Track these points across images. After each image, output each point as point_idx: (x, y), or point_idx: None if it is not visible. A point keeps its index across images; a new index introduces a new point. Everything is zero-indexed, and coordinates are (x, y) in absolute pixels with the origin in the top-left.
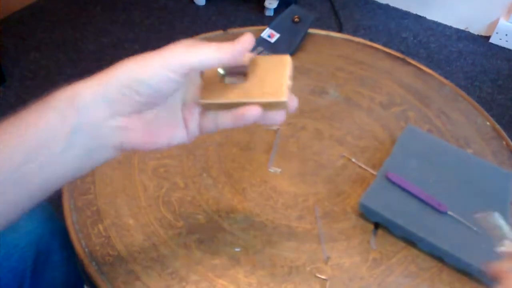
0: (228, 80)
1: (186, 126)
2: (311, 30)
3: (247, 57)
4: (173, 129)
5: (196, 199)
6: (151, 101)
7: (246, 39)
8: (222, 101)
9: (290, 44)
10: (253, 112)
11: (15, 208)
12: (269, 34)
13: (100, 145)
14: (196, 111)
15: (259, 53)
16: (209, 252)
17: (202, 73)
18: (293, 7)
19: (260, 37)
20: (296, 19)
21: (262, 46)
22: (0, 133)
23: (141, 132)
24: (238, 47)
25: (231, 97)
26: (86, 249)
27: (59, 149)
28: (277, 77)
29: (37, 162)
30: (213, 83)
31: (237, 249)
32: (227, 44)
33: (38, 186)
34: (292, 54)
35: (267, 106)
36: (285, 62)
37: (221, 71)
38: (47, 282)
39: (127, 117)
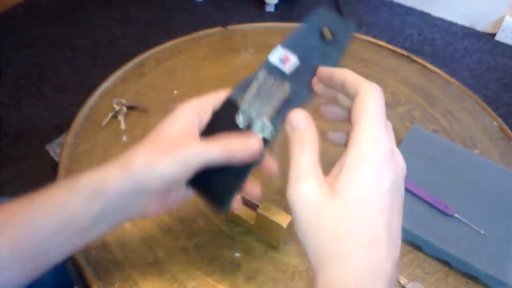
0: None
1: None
2: None
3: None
4: (186, 191)
5: (196, 202)
6: (167, 188)
7: (255, 145)
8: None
9: (312, 78)
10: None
11: (41, 267)
12: (282, 57)
13: (122, 217)
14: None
15: (263, 87)
16: (208, 256)
17: None
18: (321, 12)
19: (268, 61)
20: (328, 35)
21: (272, 74)
22: (37, 207)
23: (160, 203)
24: (247, 151)
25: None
26: (82, 254)
27: (85, 227)
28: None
29: (64, 235)
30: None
31: (237, 254)
32: (238, 145)
33: (64, 252)
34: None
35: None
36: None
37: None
38: (36, 285)
39: (147, 200)
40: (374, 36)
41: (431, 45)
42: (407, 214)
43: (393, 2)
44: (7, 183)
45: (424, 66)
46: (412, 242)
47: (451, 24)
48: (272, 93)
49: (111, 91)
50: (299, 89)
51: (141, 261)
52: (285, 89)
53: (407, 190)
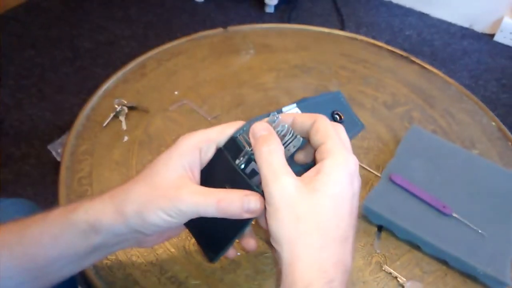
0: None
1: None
2: (313, 28)
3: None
4: (179, 229)
5: None
6: (163, 231)
7: (255, 206)
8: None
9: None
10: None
11: (50, 284)
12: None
13: (119, 248)
14: None
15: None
16: None
17: None
18: (334, 96)
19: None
20: (337, 117)
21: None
22: (35, 230)
23: (155, 239)
24: (245, 210)
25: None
26: None
27: (81, 257)
28: None
29: (64, 262)
30: None
31: (237, 253)
32: (236, 202)
33: (68, 273)
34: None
35: None
36: None
37: None
38: None
39: (143, 238)
40: (374, 37)
41: (430, 45)
42: (406, 213)
43: (392, 3)
44: (9, 183)
45: (423, 67)
46: (410, 241)
47: (450, 25)
48: (284, 141)
49: (112, 91)
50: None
51: (142, 261)
52: (297, 141)
53: (406, 190)
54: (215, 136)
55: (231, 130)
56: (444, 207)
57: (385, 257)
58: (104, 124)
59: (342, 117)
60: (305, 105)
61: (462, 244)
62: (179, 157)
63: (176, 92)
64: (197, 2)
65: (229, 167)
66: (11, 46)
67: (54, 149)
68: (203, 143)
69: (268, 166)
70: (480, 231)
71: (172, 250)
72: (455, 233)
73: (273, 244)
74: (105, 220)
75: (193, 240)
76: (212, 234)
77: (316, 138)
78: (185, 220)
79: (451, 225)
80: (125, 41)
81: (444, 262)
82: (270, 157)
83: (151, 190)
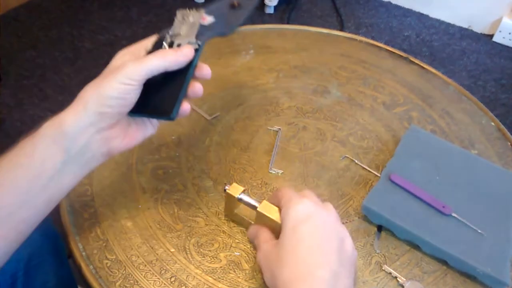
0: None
1: (151, 121)
2: (312, 29)
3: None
4: (144, 126)
5: (196, 201)
6: (122, 110)
7: (187, 51)
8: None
9: (225, 27)
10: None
11: (26, 226)
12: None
13: (91, 156)
14: None
15: (186, 21)
16: (208, 255)
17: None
18: None
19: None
20: (235, 4)
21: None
22: (5, 164)
23: (121, 137)
24: (180, 55)
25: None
26: (84, 253)
27: (57, 170)
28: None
29: (40, 184)
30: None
31: (237, 253)
32: (171, 52)
33: (44, 202)
34: (226, 35)
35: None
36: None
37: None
38: (39, 285)
39: (108, 129)
40: (373, 38)
41: (429, 46)
42: (406, 213)
43: (391, 4)
44: None
45: (422, 67)
46: (410, 241)
47: (448, 25)
48: (194, 22)
49: None
50: (213, 26)
51: (142, 260)
52: (200, 13)
53: (405, 189)
54: (144, 43)
55: (154, 37)
56: (443, 207)
57: (385, 257)
58: None
59: (238, 4)
60: (208, 10)
61: (462, 244)
62: (120, 59)
63: None
64: (197, 3)
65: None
66: (12, 46)
67: None
68: (135, 50)
69: (255, 243)
70: (479, 231)
71: (172, 250)
72: (455, 233)
73: None
74: (68, 118)
75: (193, 240)
76: (163, 96)
77: (281, 205)
78: (136, 85)
79: (451, 225)
80: (126, 42)
81: (443, 262)
82: (259, 236)
83: (102, 77)
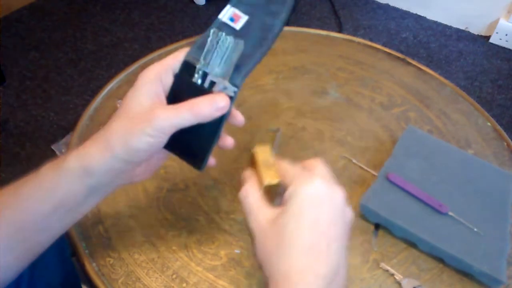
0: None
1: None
2: (311, 30)
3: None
4: (163, 156)
5: (197, 200)
6: (149, 156)
7: (223, 105)
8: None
9: (264, 34)
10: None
11: (40, 248)
12: (232, 15)
13: (113, 187)
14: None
15: (217, 38)
16: (209, 253)
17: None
18: None
19: (218, 19)
20: None
21: (223, 31)
22: (27, 190)
23: (143, 170)
24: (214, 109)
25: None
26: (87, 251)
27: (78, 203)
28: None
29: (59, 212)
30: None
31: (237, 251)
32: (204, 106)
33: (60, 228)
34: (265, 52)
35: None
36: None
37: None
38: (44, 284)
39: (132, 170)
40: (371, 39)
41: (426, 48)
42: (403, 212)
43: (389, 6)
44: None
45: (420, 69)
46: (407, 240)
47: (445, 27)
48: (226, 51)
49: (115, 92)
50: (252, 47)
51: (144, 258)
52: (240, 46)
53: (403, 189)
54: (171, 62)
55: (182, 54)
56: (440, 205)
57: (382, 254)
58: None
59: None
60: (239, 4)
61: (458, 242)
62: (144, 88)
63: None
64: (199, 5)
65: (189, 86)
66: (15, 48)
67: (58, 149)
68: (162, 71)
69: (245, 205)
70: (475, 229)
71: (174, 247)
72: (451, 231)
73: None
74: (95, 160)
75: (194, 238)
76: (193, 145)
77: (285, 182)
78: (165, 137)
79: (447, 224)
80: (128, 44)
81: (440, 260)
82: (247, 199)
83: (130, 120)
